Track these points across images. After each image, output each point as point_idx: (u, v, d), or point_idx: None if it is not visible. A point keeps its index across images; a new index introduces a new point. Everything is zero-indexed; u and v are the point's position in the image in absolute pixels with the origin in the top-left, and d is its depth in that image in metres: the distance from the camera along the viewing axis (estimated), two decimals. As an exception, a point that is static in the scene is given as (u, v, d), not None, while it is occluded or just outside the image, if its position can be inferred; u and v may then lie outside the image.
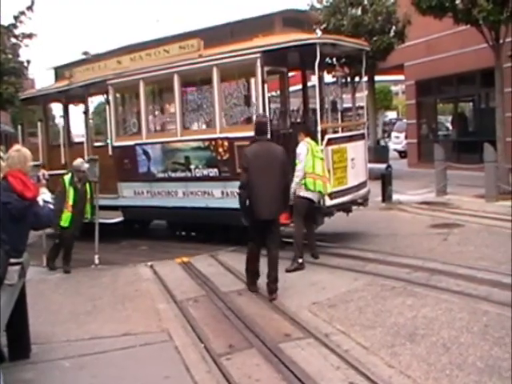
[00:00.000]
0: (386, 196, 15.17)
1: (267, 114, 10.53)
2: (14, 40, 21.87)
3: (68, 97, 14.62)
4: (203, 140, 11.57)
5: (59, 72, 15.27)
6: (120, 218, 13.08)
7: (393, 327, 6.34)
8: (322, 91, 11.42)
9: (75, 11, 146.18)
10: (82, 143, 14.59)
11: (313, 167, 9.57)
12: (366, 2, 21.28)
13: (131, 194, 12.79)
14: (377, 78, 25.94)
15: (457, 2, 15.03)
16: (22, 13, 21.38)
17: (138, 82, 12.58)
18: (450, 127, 25.25)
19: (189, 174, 11.81)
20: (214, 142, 11.30)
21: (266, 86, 10.54)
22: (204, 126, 12.50)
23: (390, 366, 5.37)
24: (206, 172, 11.52)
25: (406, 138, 28.23)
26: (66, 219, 10.36)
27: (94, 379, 5.58)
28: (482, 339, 5.78)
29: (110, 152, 13.09)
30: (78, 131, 16.63)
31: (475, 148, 18.45)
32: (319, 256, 9.94)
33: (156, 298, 8.25)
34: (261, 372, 5.47)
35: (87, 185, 10.67)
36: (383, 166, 15.78)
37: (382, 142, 28.17)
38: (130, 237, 13.30)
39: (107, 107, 13.29)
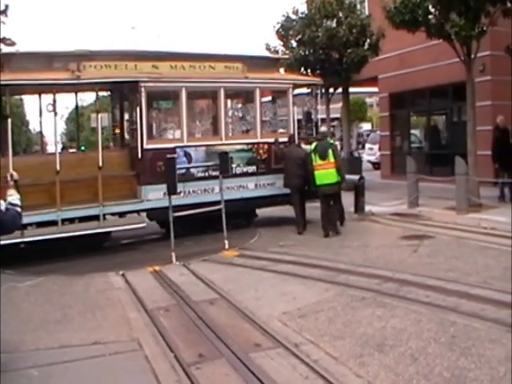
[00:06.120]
0: (359, 207, 15.28)
1: (295, 123, 14.85)
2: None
3: (62, 91, 13.55)
4: (247, 143, 14.30)
5: None
6: (144, 224, 12.91)
7: (362, 337, 6.39)
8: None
9: (54, 16, 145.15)
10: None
11: None
12: (340, 15, 21.43)
13: (159, 196, 12.62)
14: (351, 89, 26.19)
15: (430, 16, 15.27)
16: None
17: (180, 89, 13.44)
18: (423, 140, 25.53)
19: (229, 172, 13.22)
20: (255, 145, 14.23)
21: (295, 106, 14.94)
22: (244, 133, 15.50)
23: (358, 376, 5.42)
24: (244, 169, 14.02)
25: (380, 149, 28.46)
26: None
27: (63, 388, 5.55)
28: (449, 350, 5.87)
29: (140, 155, 12.81)
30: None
31: (447, 161, 18.71)
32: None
33: (127, 306, 8.22)
34: (230, 382, 5.48)
35: None
36: (356, 177, 15.90)
37: (356, 154, 28.32)
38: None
39: (137, 109, 12.98)
